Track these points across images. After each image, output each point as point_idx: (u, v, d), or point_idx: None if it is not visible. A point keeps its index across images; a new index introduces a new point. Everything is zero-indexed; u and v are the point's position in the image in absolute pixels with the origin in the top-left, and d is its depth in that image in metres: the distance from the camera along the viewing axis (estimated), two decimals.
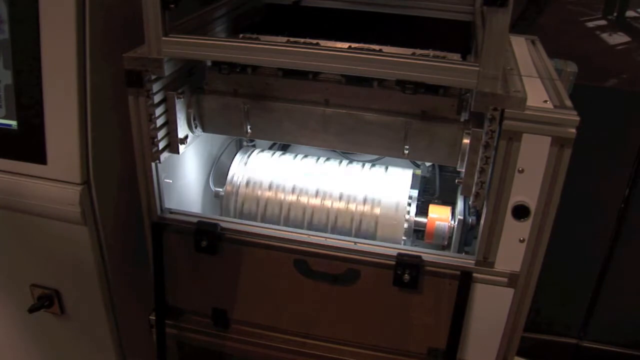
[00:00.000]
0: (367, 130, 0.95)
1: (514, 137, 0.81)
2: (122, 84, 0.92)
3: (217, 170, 1.23)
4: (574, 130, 0.79)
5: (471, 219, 1.02)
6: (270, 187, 1.13)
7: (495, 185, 0.85)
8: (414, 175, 1.13)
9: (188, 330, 1.12)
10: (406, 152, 0.95)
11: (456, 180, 0.95)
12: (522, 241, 0.88)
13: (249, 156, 1.19)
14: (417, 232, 1.09)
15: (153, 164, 0.99)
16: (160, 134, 0.97)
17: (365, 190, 1.09)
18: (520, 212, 0.86)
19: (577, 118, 0.79)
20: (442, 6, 1.21)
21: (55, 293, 1.15)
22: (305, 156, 1.19)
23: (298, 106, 0.97)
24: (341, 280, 0.99)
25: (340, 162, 1.17)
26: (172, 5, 0.86)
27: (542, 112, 0.80)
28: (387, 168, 1.15)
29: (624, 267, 1.72)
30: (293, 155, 1.20)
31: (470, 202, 0.90)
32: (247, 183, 1.14)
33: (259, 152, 1.21)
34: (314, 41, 0.97)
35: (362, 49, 0.91)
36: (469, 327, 0.97)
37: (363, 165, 1.16)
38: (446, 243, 1.07)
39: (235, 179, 1.15)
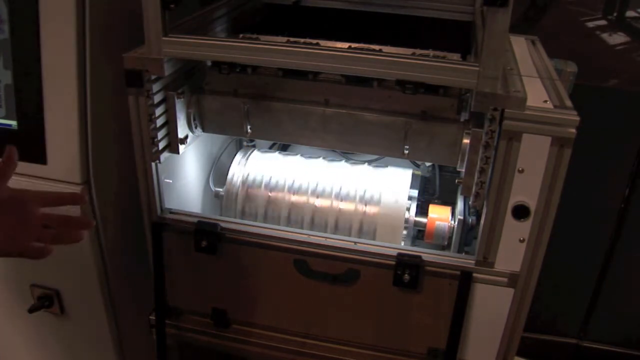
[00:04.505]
0: (367, 130, 0.95)
1: (514, 137, 0.81)
2: (122, 84, 0.92)
3: (217, 170, 1.23)
4: (574, 130, 0.79)
5: (471, 219, 1.02)
6: (270, 187, 1.13)
7: (495, 185, 0.85)
8: (414, 175, 1.13)
9: (188, 330, 1.12)
10: (406, 152, 0.95)
11: (456, 180, 0.95)
12: (522, 241, 0.88)
13: (249, 156, 1.19)
14: (417, 232, 1.09)
15: (153, 164, 0.99)
16: (160, 134, 0.97)
17: (365, 190, 1.09)
18: (520, 212, 0.86)
19: (577, 118, 0.79)
20: (442, 6, 1.21)
21: (55, 293, 1.15)
22: (305, 156, 1.19)
23: (298, 106, 0.97)
24: (341, 280, 0.99)
25: (340, 162, 1.17)
26: (172, 5, 0.86)
27: (542, 112, 0.80)
28: (387, 168, 1.15)
29: (624, 267, 1.73)
30: (293, 155, 1.20)
31: (470, 202, 0.90)
32: (247, 183, 1.14)
33: (259, 152, 1.21)
34: (314, 41, 0.96)
35: (362, 49, 0.91)
36: (469, 327, 0.97)
37: (363, 164, 1.16)
38: (446, 243, 1.07)
39: (235, 179, 1.15)
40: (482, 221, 0.90)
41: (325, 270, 0.99)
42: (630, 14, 1.55)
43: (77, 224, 0.82)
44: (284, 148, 1.31)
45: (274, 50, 0.87)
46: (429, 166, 1.19)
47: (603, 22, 1.54)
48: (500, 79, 0.79)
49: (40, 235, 0.78)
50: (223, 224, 1.01)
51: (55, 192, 0.82)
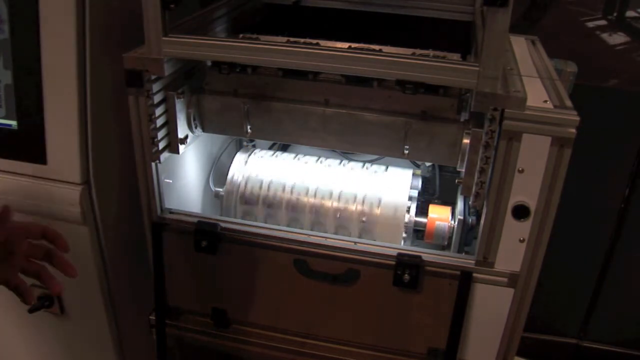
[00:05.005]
0: (367, 130, 0.95)
1: (514, 137, 0.81)
2: (122, 84, 0.92)
3: (217, 170, 1.23)
4: (574, 130, 0.79)
5: (471, 219, 1.02)
6: (270, 187, 1.13)
7: (495, 185, 0.85)
8: (414, 175, 1.13)
9: (188, 330, 1.12)
10: (406, 152, 0.95)
11: (456, 180, 0.95)
12: (522, 241, 0.88)
13: (249, 156, 1.19)
14: (417, 232, 1.08)
15: (153, 164, 0.99)
16: (160, 134, 0.97)
17: (365, 190, 1.09)
18: (520, 212, 0.86)
19: (577, 118, 0.79)
20: (442, 6, 1.21)
21: None
22: (305, 156, 1.19)
23: (298, 106, 0.97)
24: (341, 280, 0.99)
25: (340, 162, 1.17)
26: (172, 5, 0.86)
27: (542, 112, 0.80)
28: (387, 168, 1.15)
29: (624, 267, 1.72)
30: (293, 155, 1.20)
31: (470, 202, 0.90)
32: (247, 183, 1.14)
33: (259, 152, 1.21)
34: (314, 41, 0.97)
35: (362, 49, 0.91)
36: (469, 327, 0.97)
37: (363, 165, 1.16)
38: (446, 243, 1.07)
39: (235, 178, 1.15)
40: (482, 221, 0.90)
41: (325, 270, 0.99)
42: (630, 14, 1.55)
43: (61, 261, 0.82)
44: (284, 148, 1.31)
45: (274, 50, 0.87)
46: (429, 166, 1.19)
47: (603, 22, 1.54)
48: (500, 79, 0.79)
49: (25, 267, 0.79)
50: (223, 224, 1.01)
51: (40, 225, 0.82)
